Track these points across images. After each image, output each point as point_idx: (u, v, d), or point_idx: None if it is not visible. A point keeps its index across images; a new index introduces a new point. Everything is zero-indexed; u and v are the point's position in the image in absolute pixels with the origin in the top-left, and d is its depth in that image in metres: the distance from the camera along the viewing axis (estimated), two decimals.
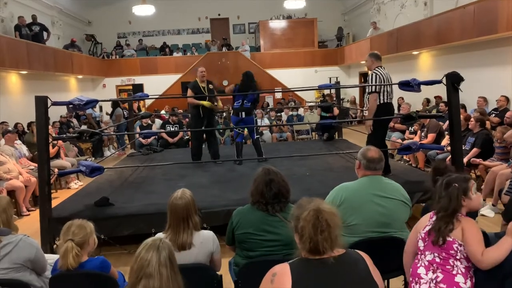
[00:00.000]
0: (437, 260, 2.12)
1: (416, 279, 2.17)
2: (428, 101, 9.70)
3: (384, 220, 2.56)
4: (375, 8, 14.68)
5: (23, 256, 2.38)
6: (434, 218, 2.19)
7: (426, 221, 2.23)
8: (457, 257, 2.08)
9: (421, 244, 2.21)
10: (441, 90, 8.15)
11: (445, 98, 8.36)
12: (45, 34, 11.62)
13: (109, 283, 2.18)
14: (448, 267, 2.09)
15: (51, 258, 2.68)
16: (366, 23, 15.17)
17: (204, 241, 2.42)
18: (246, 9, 17.98)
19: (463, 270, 2.07)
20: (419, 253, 2.22)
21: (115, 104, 11.49)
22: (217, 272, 2.49)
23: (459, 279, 2.05)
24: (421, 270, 2.16)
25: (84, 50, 15.77)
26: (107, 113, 12.21)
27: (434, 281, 2.09)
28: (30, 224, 5.16)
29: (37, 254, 2.45)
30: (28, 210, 6.00)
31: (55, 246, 4.05)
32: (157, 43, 17.81)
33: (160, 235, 2.44)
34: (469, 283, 2.06)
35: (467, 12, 8.18)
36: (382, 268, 1.87)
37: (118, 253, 4.13)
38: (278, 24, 17.08)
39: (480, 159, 5.61)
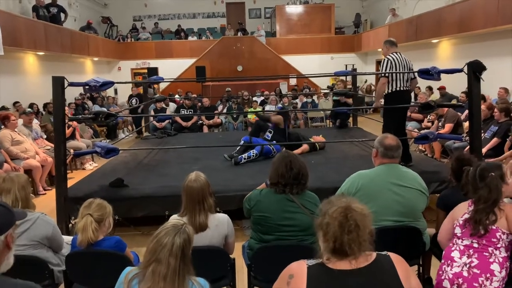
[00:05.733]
0: (475, 245, 2.09)
1: (449, 261, 2.14)
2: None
3: (401, 209, 2.52)
4: None
5: (40, 233, 2.42)
6: (472, 207, 2.15)
7: (465, 209, 2.20)
8: (498, 245, 2.05)
9: (458, 230, 2.17)
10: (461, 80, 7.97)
11: (462, 88, 8.22)
12: (62, 15, 11.66)
13: (124, 262, 2.19)
14: (486, 254, 2.06)
15: (66, 239, 2.73)
16: (384, 9, 14.86)
17: (219, 224, 2.43)
18: None
19: (501, 259, 2.05)
20: (455, 238, 2.18)
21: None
22: (231, 256, 2.50)
23: (495, 267, 2.03)
24: (455, 254, 2.13)
25: (100, 32, 15.81)
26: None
27: (467, 265, 2.06)
28: (46, 203, 5.25)
29: (54, 231, 2.50)
30: (44, 190, 6.10)
31: (70, 225, 4.12)
32: (172, 26, 17.75)
33: (174, 217, 2.46)
34: (504, 272, 2.03)
35: None
36: None
37: (132, 234, 4.18)
38: (294, 9, 16.83)
39: (495, 159, 5.45)
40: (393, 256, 1.60)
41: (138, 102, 10.55)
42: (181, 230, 1.64)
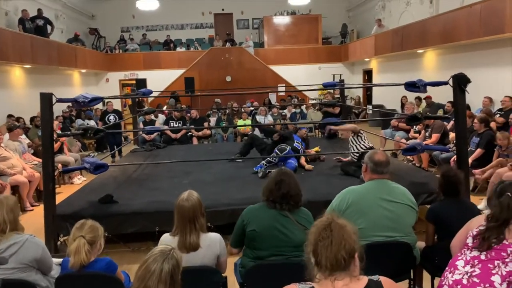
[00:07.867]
0: (482, 257, 2.07)
1: (452, 269, 2.13)
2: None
3: (391, 224, 2.55)
4: (380, 5, 14.60)
5: (29, 256, 2.38)
6: (485, 223, 2.14)
7: (482, 221, 2.18)
8: (506, 260, 2.02)
9: (470, 240, 2.15)
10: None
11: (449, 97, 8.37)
12: (49, 27, 11.59)
13: (115, 284, 2.17)
14: (490, 265, 2.04)
15: (55, 261, 2.68)
16: (371, 20, 15.09)
17: (211, 243, 2.42)
18: (250, 4, 17.89)
19: (504, 273, 2.02)
20: (466, 248, 2.17)
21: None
22: (222, 274, 2.49)
23: (496, 278, 2.00)
24: (460, 263, 2.12)
25: (87, 44, 15.73)
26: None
27: (468, 274, 2.05)
28: (34, 219, 5.17)
29: (43, 253, 2.45)
30: (32, 206, 6.01)
31: (59, 243, 4.06)
32: (160, 37, 17.76)
33: (166, 235, 2.44)
34: (505, 286, 2.00)
35: (473, 11, 8.13)
36: (387, 272, 1.84)
37: (122, 251, 4.13)
38: (282, 20, 17.00)
39: (481, 170, 5.57)
40: (384, 281, 1.61)
41: (116, 120, 9.50)
42: (169, 256, 1.63)
